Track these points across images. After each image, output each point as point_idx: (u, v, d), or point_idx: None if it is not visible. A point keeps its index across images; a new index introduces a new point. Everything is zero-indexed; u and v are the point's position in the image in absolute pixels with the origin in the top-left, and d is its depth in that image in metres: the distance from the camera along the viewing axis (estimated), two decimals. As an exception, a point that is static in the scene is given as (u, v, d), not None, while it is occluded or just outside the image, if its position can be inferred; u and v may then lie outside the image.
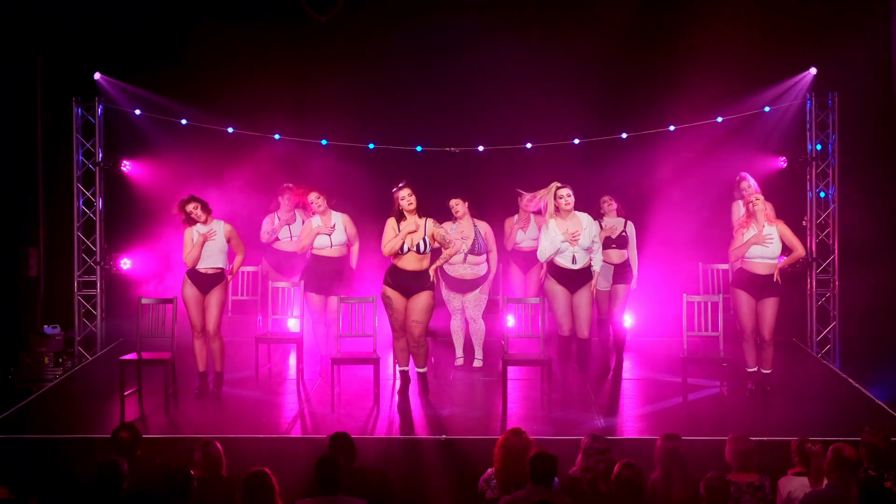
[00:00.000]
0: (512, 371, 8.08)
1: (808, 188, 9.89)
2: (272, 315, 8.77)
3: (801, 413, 7.63)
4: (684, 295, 8.12)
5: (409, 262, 7.67)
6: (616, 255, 8.54)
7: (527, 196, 8.29)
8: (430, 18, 9.89)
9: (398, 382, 8.02)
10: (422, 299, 7.69)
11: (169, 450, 6.58)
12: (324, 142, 10.07)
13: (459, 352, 9.04)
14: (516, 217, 9.27)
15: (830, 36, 9.74)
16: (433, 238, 7.69)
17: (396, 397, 7.89)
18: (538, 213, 8.39)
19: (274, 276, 9.47)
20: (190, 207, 8.07)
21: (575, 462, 5.64)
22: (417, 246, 7.62)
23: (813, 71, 9.87)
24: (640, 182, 10.12)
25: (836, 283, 9.82)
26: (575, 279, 7.93)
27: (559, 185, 7.89)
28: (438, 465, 6.70)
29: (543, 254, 7.93)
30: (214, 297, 8.12)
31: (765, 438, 6.44)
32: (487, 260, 8.85)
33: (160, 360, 7.88)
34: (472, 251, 8.68)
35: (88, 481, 5.33)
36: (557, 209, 7.87)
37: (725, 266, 9.26)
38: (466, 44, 9.96)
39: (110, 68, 10.10)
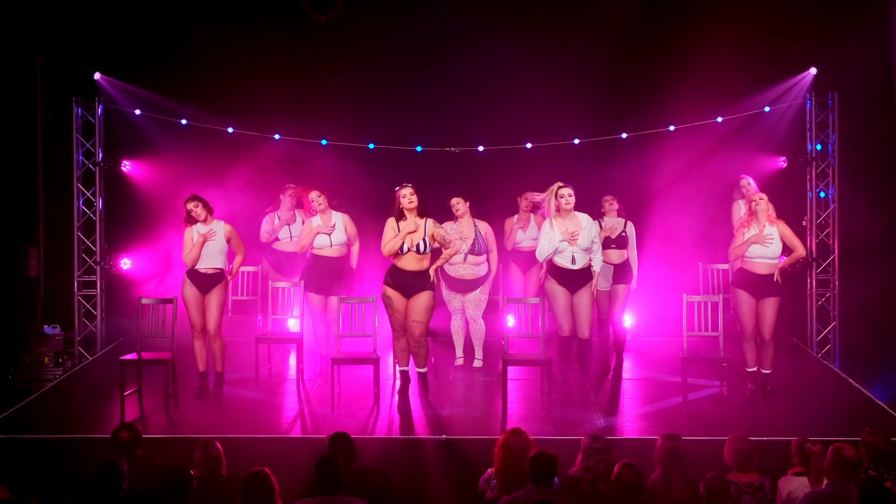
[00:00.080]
0: (512, 371, 8.08)
1: (808, 188, 9.89)
2: (272, 315, 8.77)
3: (801, 413, 7.63)
4: (684, 295, 8.11)
5: (410, 263, 7.66)
6: (616, 255, 8.54)
7: (538, 197, 8.21)
8: (430, 18, 9.88)
9: (398, 382, 8.02)
10: (422, 299, 7.69)
11: (169, 450, 6.58)
12: (324, 142, 10.07)
13: (459, 352, 9.04)
14: (516, 217, 9.28)
15: (830, 36, 9.74)
16: (433, 238, 7.68)
17: (396, 397, 7.88)
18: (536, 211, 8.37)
19: (274, 276, 9.46)
20: (190, 206, 8.08)
21: (575, 462, 5.64)
22: (417, 246, 7.61)
23: (813, 71, 9.86)
24: (640, 182, 10.13)
25: (836, 283, 9.81)
26: (575, 279, 7.92)
27: (561, 184, 7.90)
28: (438, 465, 6.69)
29: (542, 253, 7.93)
30: (214, 298, 8.12)
31: (765, 438, 6.45)
32: (488, 260, 8.84)
33: (160, 360, 7.88)
34: (472, 251, 8.68)
35: (88, 481, 5.32)
36: (558, 209, 7.88)
37: (725, 266, 9.27)
38: (466, 44, 9.96)
39: (110, 68, 10.10)
